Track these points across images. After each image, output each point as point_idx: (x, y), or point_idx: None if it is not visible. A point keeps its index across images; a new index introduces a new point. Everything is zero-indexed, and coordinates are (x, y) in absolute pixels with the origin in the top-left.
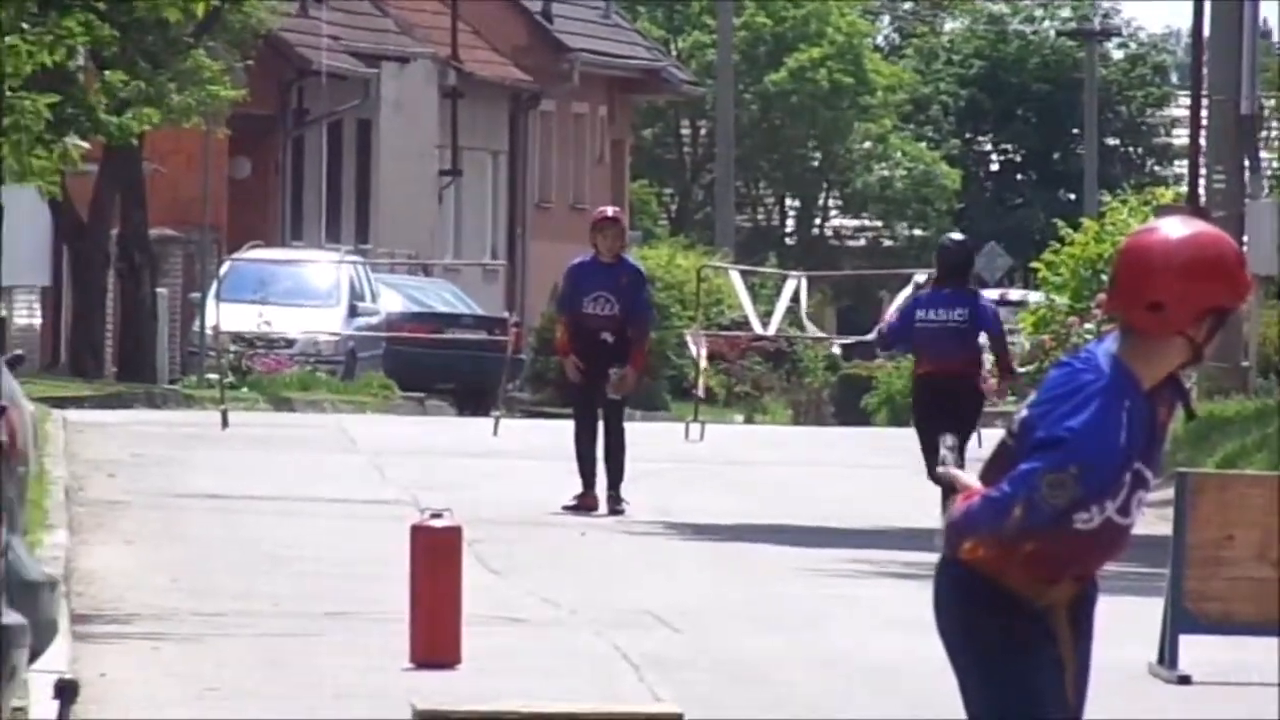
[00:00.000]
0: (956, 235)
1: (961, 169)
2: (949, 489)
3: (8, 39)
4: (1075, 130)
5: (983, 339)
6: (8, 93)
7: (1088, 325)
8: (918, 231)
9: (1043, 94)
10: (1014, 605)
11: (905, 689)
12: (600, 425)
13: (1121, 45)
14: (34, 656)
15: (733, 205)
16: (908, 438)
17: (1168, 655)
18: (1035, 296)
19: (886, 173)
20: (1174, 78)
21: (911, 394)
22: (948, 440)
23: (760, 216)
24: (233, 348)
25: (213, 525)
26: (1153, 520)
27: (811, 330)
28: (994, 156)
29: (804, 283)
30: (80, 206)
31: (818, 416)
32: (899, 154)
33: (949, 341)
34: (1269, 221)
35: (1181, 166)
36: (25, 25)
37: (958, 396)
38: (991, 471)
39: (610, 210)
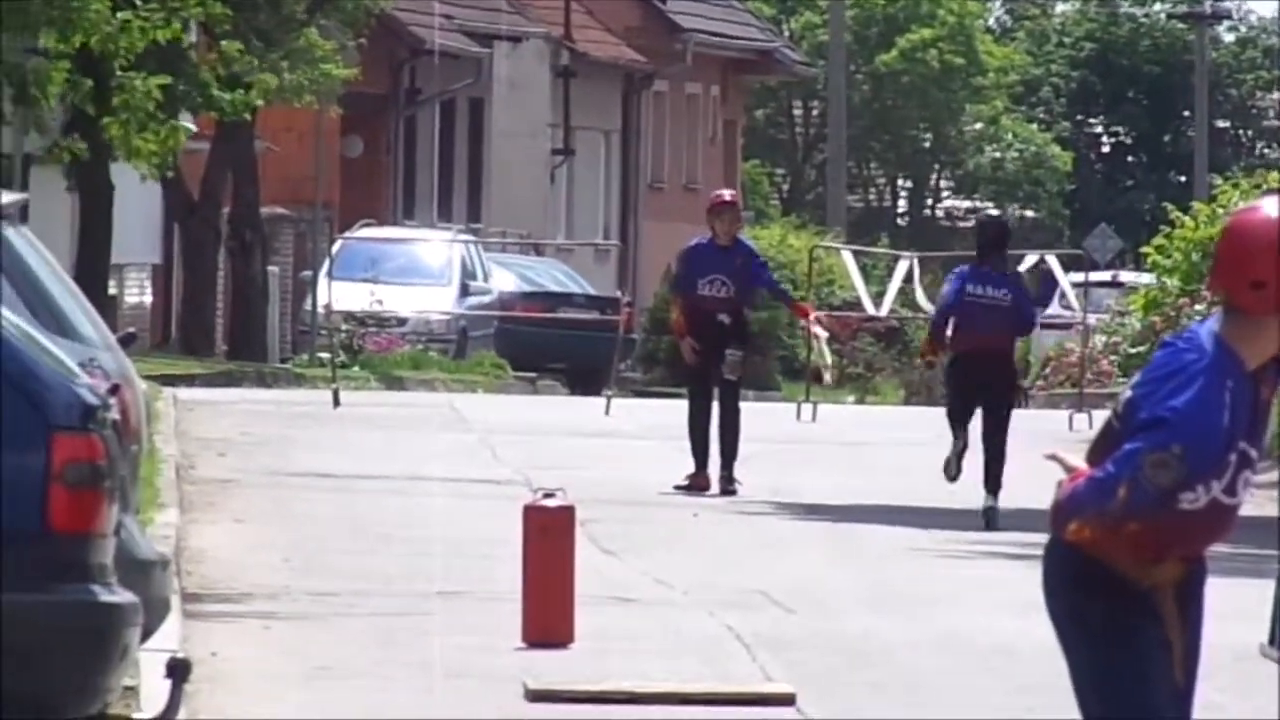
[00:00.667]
0: (994, 212)
1: (1072, 151)
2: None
3: (120, 15)
4: (1185, 113)
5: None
6: (118, 72)
7: (1198, 307)
8: (1029, 213)
9: (1153, 76)
10: (1120, 586)
11: (1019, 670)
12: (715, 405)
13: (1232, 28)
14: (146, 635)
15: (844, 185)
16: (1020, 418)
17: (1278, 637)
18: (1146, 278)
19: (998, 154)
20: None
21: (949, 371)
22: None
23: (872, 197)
24: (344, 326)
25: (323, 504)
26: (1263, 501)
27: (925, 310)
28: (1105, 139)
29: (916, 263)
30: (192, 184)
31: (929, 397)
32: (1010, 135)
33: (994, 319)
34: None
35: None
36: (138, 2)
37: (993, 375)
38: (1097, 452)
39: (727, 194)
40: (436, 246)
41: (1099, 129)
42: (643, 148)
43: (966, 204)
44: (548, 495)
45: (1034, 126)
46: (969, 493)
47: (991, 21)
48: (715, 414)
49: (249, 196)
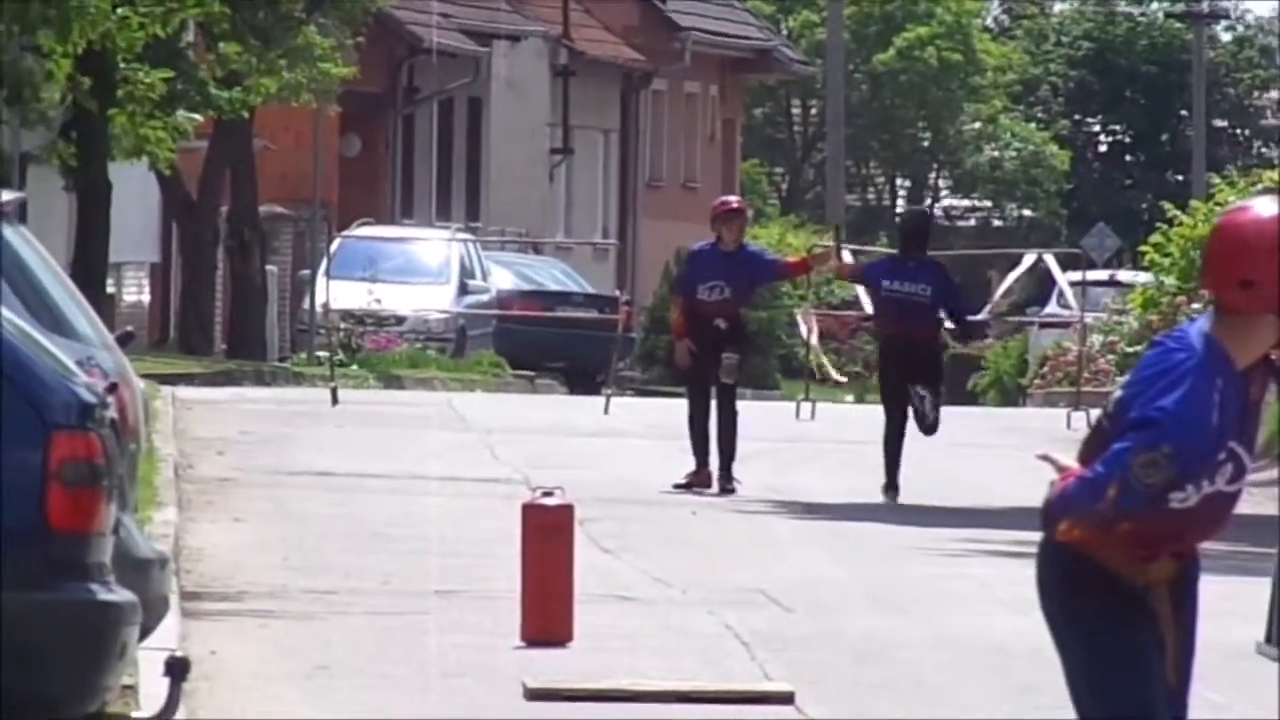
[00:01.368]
0: (916, 207)
1: (1070, 150)
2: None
3: (119, 10)
4: (1183, 112)
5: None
6: (120, 65)
7: (1196, 306)
8: (1027, 212)
9: (1151, 75)
10: (1113, 585)
11: (1016, 668)
12: (713, 405)
13: (1229, 27)
14: (144, 634)
15: (843, 184)
16: (1017, 417)
17: (1275, 635)
18: (1144, 277)
19: (996, 153)
20: None
21: (879, 352)
22: (919, 390)
23: (870, 196)
24: (343, 325)
25: (322, 503)
26: (1260, 500)
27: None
28: (1102, 138)
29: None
30: (190, 183)
31: None
32: (1008, 134)
33: (914, 312)
34: None
35: None
36: None
37: (918, 360)
38: (1088, 451)
39: (735, 201)
40: (435, 245)
41: (1097, 128)
42: (641, 146)
43: (965, 203)
44: (546, 494)
45: (1032, 125)
46: (965, 491)
47: (989, 20)
48: (713, 414)
49: (247, 195)
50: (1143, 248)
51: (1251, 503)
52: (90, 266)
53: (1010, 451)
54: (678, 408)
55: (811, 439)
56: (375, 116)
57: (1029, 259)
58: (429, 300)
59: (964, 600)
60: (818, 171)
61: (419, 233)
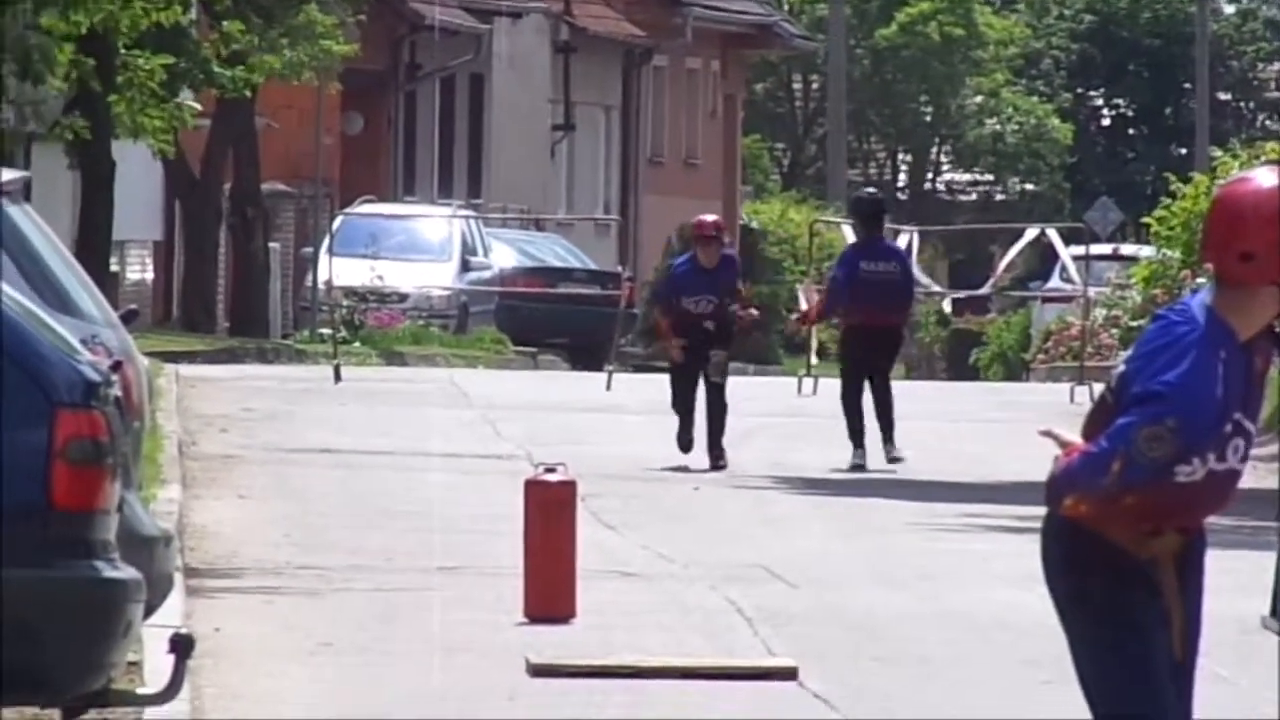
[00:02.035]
0: (868, 190)
1: (1073, 123)
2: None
3: None
4: (1186, 85)
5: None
6: (121, 51)
7: (1199, 279)
8: (1030, 186)
9: (1154, 49)
10: (1118, 560)
11: (1021, 643)
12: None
13: (1232, 0)
14: (149, 611)
15: (845, 159)
16: (1020, 391)
17: None
18: (1147, 251)
19: (998, 127)
20: None
21: (845, 345)
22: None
23: (872, 171)
24: (345, 302)
25: (325, 480)
26: (1264, 474)
27: (924, 284)
28: (1105, 111)
29: (915, 237)
30: (193, 162)
31: (930, 371)
32: (1011, 108)
33: (889, 292)
34: None
35: None
36: None
37: (885, 346)
38: (1092, 426)
39: (710, 222)
40: (437, 222)
41: (1100, 101)
42: (643, 122)
43: (966, 177)
44: (549, 470)
45: (1034, 99)
46: (968, 467)
47: None
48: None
49: (250, 173)
50: (1146, 219)
51: (1255, 477)
52: (94, 245)
53: (1013, 427)
54: None
55: (813, 414)
56: (377, 94)
57: (1032, 233)
58: (431, 277)
59: (966, 575)
60: (819, 147)
61: (421, 210)
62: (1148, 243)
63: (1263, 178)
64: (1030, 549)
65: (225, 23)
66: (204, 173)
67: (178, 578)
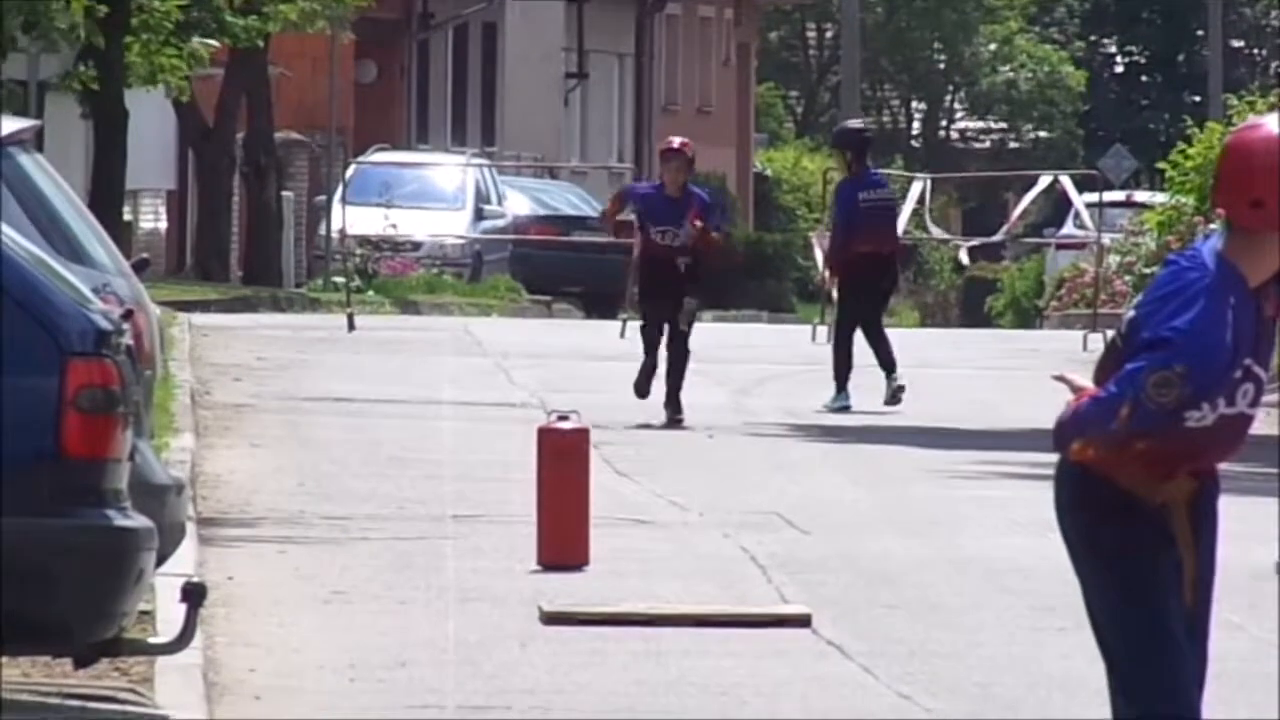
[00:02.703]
0: (852, 121)
1: (1087, 71)
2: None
3: None
4: (1200, 32)
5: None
6: None
7: (1213, 225)
8: (1043, 133)
9: None
10: (1130, 506)
11: (1034, 589)
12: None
13: None
14: (161, 560)
15: (859, 108)
16: (1033, 339)
17: None
18: (1161, 198)
19: (1012, 74)
20: None
21: (850, 275)
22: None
23: (886, 119)
24: (359, 251)
25: (338, 429)
26: (1273, 421)
27: (937, 232)
28: (1119, 58)
29: (929, 185)
30: (206, 111)
31: (944, 318)
32: (1024, 56)
33: (888, 218)
34: None
35: None
36: None
37: (887, 275)
38: (1103, 372)
39: (676, 141)
40: (450, 170)
41: (1113, 49)
42: (656, 71)
43: (980, 125)
44: (562, 418)
45: (1048, 46)
46: (982, 413)
47: None
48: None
49: (263, 122)
50: (1161, 164)
51: (1268, 423)
52: (107, 194)
53: (1027, 373)
54: (696, 331)
55: (827, 362)
56: (390, 42)
57: (1045, 180)
58: (445, 225)
59: (980, 522)
60: (833, 95)
61: (434, 158)
62: (1162, 189)
63: (1273, 124)
64: (1044, 496)
65: None
66: (217, 122)
67: (190, 526)
